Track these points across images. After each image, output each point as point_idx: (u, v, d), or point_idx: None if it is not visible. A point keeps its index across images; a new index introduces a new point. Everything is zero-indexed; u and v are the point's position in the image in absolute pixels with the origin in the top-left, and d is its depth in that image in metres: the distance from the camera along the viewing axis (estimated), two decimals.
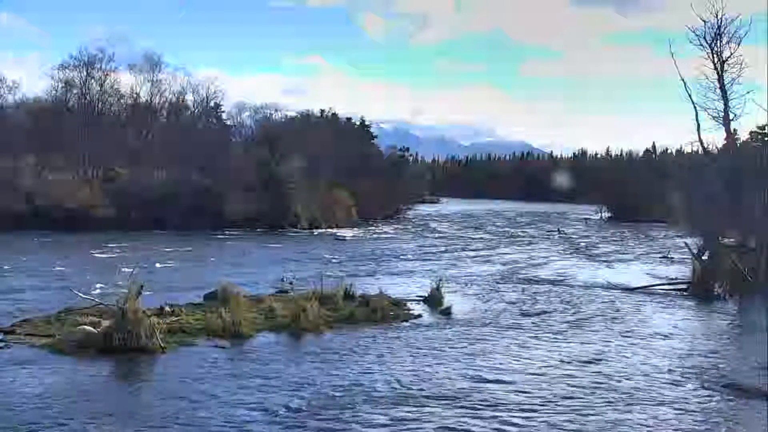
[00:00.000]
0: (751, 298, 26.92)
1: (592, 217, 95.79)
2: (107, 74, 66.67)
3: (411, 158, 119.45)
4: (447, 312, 22.63)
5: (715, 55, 30.61)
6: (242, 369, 15.36)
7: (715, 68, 30.65)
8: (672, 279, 32.01)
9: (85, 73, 65.82)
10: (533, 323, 21.48)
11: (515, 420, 12.48)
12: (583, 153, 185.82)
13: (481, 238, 60.00)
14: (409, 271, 34.57)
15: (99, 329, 16.56)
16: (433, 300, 23.95)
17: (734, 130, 32.49)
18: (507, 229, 72.86)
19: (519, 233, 66.51)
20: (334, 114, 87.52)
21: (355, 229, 62.71)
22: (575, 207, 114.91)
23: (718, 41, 30.49)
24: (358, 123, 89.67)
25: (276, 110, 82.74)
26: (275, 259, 38.63)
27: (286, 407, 12.80)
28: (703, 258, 30.57)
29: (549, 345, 18.52)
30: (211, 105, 76.30)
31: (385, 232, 62.41)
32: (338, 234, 57.20)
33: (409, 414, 12.66)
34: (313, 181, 65.88)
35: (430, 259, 40.89)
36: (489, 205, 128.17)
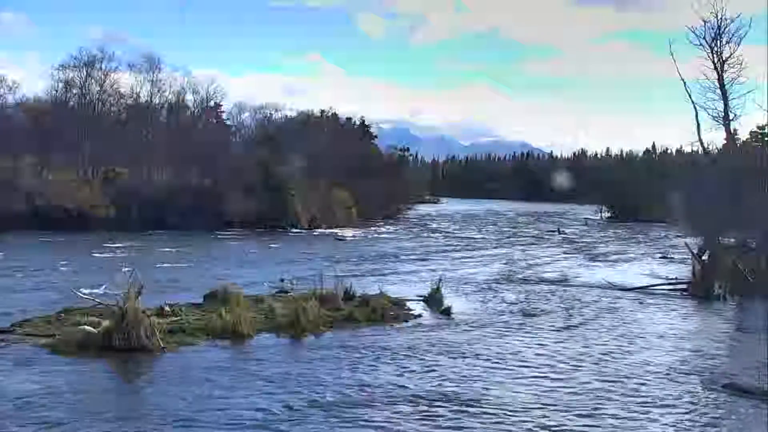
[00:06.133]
0: (751, 298, 26.91)
1: (592, 217, 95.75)
2: (107, 74, 66.86)
3: (411, 158, 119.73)
4: (447, 312, 22.59)
5: (715, 55, 30.59)
6: (242, 369, 15.35)
7: (715, 68, 30.63)
8: (672, 279, 31.99)
9: (85, 73, 65.95)
10: (533, 323, 21.48)
11: (515, 420, 12.49)
12: (583, 153, 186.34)
13: (481, 238, 60.02)
14: (409, 271, 34.56)
15: (99, 329, 16.55)
16: (434, 300, 23.89)
17: (734, 130, 32.49)
18: (507, 229, 72.89)
19: (519, 233, 66.54)
20: (334, 114, 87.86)
21: (355, 229, 62.69)
22: (575, 207, 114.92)
23: (718, 41, 30.46)
24: (358, 123, 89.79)
25: (276, 110, 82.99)
26: (275, 259, 38.64)
27: (286, 407, 12.80)
28: (703, 258, 30.54)
29: (549, 345, 18.51)
30: (211, 105, 76.45)
31: (385, 232, 62.42)
32: (338, 234, 57.21)
33: (409, 414, 12.66)
34: (313, 181, 65.97)
35: (430, 259, 40.90)
36: (489, 205, 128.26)
